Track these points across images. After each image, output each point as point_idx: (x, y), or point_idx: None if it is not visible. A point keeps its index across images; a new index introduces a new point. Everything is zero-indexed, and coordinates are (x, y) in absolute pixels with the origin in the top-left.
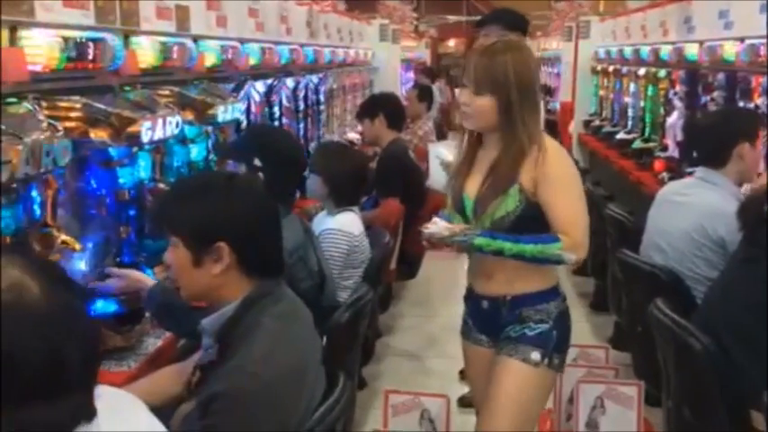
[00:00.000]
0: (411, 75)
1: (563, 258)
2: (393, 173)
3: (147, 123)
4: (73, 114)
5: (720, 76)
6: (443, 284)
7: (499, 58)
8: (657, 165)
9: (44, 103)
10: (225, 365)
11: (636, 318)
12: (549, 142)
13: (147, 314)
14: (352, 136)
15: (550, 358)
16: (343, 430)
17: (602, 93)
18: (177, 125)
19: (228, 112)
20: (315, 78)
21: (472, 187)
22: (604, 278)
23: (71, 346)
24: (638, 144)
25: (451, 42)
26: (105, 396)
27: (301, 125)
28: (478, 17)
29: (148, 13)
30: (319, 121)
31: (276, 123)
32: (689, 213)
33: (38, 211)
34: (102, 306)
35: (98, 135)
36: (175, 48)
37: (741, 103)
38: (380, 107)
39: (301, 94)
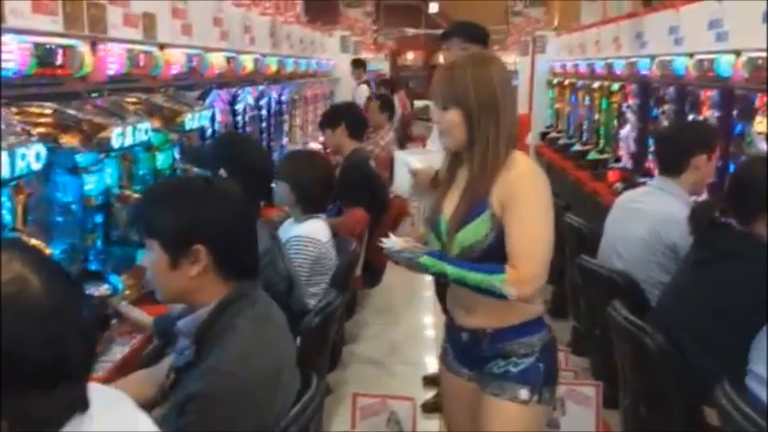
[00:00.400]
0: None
1: (503, 293)
2: (356, 182)
3: (119, 129)
4: (43, 120)
5: (671, 89)
6: (405, 293)
7: (458, 72)
8: (611, 175)
9: (13, 109)
10: (201, 366)
11: (594, 321)
12: (524, 162)
13: (114, 321)
14: (315, 146)
15: (540, 394)
16: (315, 431)
17: (557, 106)
18: (147, 132)
19: (195, 119)
20: (278, 88)
21: (448, 208)
22: (562, 285)
23: (71, 338)
24: (593, 156)
25: (410, 55)
26: (97, 391)
27: (264, 134)
28: (437, 30)
29: (116, 19)
30: (281, 130)
31: (240, 132)
32: (644, 220)
33: (7, 216)
34: None
35: (69, 141)
36: (142, 56)
37: (691, 116)
38: (342, 117)
39: (264, 104)
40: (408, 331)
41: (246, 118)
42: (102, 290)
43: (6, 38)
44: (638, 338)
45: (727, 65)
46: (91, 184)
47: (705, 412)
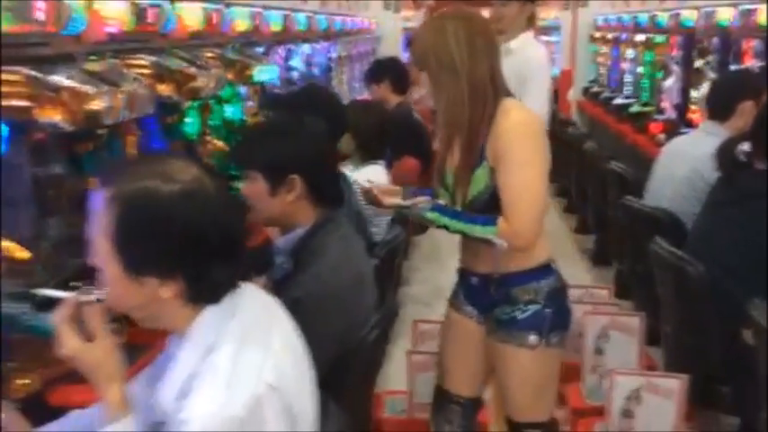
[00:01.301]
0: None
1: (494, 243)
2: (403, 134)
3: (205, 79)
4: (144, 71)
5: (715, 40)
6: (450, 241)
7: (418, 37)
8: (653, 127)
9: (116, 60)
10: (301, 276)
11: (637, 259)
12: (516, 113)
13: None
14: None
15: (548, 339)
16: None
17: (600, 60)
18: (225, 83)
19: (265, 72)
20: (327, 46)
21: (451, 162)
22: (605, 232)
23: (237, 223)
24: (635, 108)
25: None
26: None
27: None
28: None
29: None
30: (331, 87)
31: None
32: (688, 159)
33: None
34: None
35: (164, 89)
36: (214, 14)
37: (733, 66)
38: (386, 72)
39: (315, 61)
40: (454, 276)
41: (298, 75)
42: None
43: None
44: (680, 268)
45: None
46: (179, 130)
47: (743, 334)
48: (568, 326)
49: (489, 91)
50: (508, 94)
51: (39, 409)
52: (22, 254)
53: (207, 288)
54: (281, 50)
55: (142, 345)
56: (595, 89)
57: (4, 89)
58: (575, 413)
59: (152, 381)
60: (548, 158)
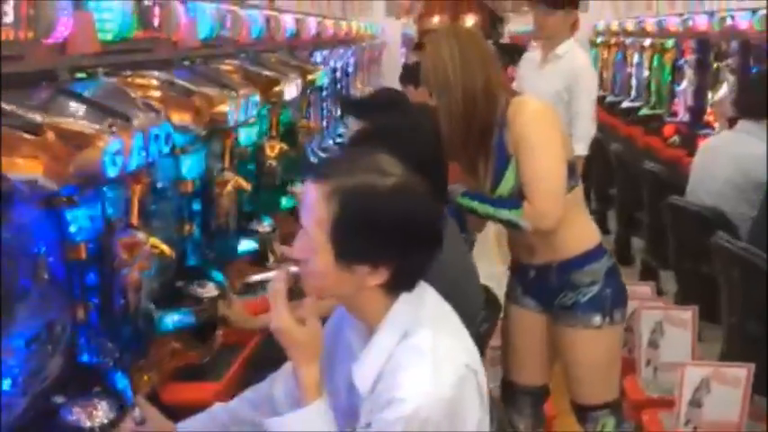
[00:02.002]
0: (403, 50)
1: (520, 225)
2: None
3: (233, 104)
4: (152, 93)
5: (733, 43)
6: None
7: (421, 58)
8: (667, 129)
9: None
10: None
11: (684, 253)
12: (530, 106)
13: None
14: None
15: (611, 316)
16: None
17: (600, 64)
18: (256, 105)
19: (323, 76)
20: (348, 51)
21: (477, 166)
22: (632, 231)
23: (437, 212)
24: (645, 111)
25: (436, 19)
26: None
27: None
28: None
29: None
30: (350, 92)
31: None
32: (731, 160)
33: (115, 212)
34: (178, 318)
35: (180, 118)
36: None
37: (755, 69)
38: None
39: (339, 66)
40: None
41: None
42: (209, 290)
43: None
44: (749, 261)
45: None
46: (187, 166)
47: None
48: (626, 301)
49: (480, 96)
50: (515, 94)
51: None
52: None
53: (409, 276)
54: (317, 56)
55: (235, 344)
56: (600, 93)
57: (145, 92)
58: (634, 406)
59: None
60: (564, 143)
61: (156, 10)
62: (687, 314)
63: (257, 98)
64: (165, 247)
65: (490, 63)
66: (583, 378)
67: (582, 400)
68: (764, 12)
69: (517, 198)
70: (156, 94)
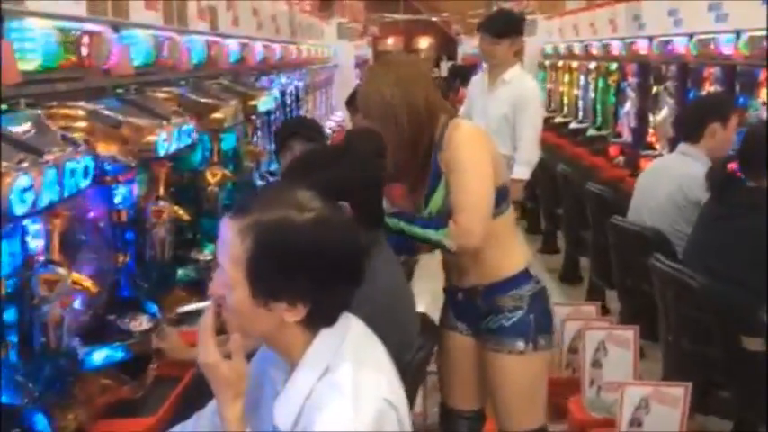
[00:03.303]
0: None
1: (445, 244)
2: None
3: (163, 134)
4: (78, 124)
5: (672, 67)
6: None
7: (362, 92)
8: (612, 150)
9: (39, 111)
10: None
11: (626, 273)
12: (463, 129)
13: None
14: (330, 124)
15: (535, 342)
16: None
17: (549, 86)
18: (190, 134)
19: (268, 102)
20: (298, 75)
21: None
22: (579, 250)
23: (358, 245)
24: (591, 133)
25: (390, 40)
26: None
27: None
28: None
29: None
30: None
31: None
32: (670, 179)
33: (36, 246)
34: (107, 354)
35: (106, 149)
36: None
37: (692, 93)
38: None
39: (289, 91)
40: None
41: (276, 104)
42: (142, 323)
43: (28, 23)
44: (681, 281)
45: (727, 44)
46: (120, 196)
47: (743, 341)
48: (552, 328)
49: (425, 120)
50: (453, 116)
51: None
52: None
53: (328, 311)
54: (265, 81)
55: (171, 377)
56: (547, 114)
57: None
58: (578, 426)
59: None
60: (495, 167)
61: (85, 38)
62: (629, 333)
63: (191, 126)
64: (88, 284)
65: (428, 83)
66: (507, 404)
67: (507, 427)
68: (701, 37)
69: (444, 218)
70: (82, 125)
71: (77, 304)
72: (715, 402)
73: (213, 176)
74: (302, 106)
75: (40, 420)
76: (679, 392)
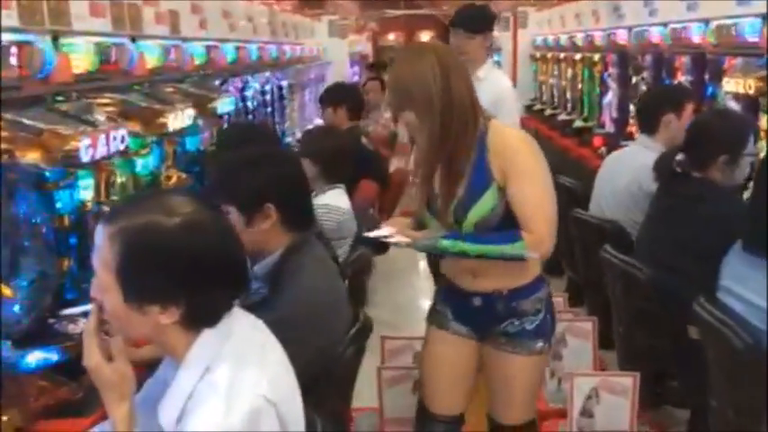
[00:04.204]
0: (356, 68)
1: (525, 257)
2: (356, 157)
3: (87, 140)
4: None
5: (648, 57)
6: (408, 260)
7: (398, 78)
8: (596, 141)
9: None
10: (279, 298)
11: (588, 266)
12: (512, 132)
13: None
14: (317, 122)
15: (550, 341)
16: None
17: (541, 78)
18: (123, 139)
19: (226, 104)
20: (279, 75)
21: (441, 190)
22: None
23: (234, 248)
24: (578, 124)
25: (391, 36)
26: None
27: (269, 119)
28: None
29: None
30: (284, 114)
31: (250, 117)
32: (627, 171)
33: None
34: (42, 356)
35: (30, 157)
36: (114, 49)
37: (667, 81)
38: (345, 97)
39: (268, 89)
40: (412, 295)
41: (255, 104)
42: (80, 325)
43: None
44: (629, 273)
45: (698, 32)
46: (61, 201)
47: (689, 330)
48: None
49: (470, 115)
50: (488, 117)
51: None
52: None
53: (206, 313)
54: (237, 82)
55: None
56: (538, 106)
57: None
58: (539, 417)
59: (144, 404)
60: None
61: (13, 49)
62: (588, 325)
63: (124, 131)
64: (6, 290)
65: (468, 74)
66: (513, 400)
67: (511, 420)
68: (674, 26)
69: (500, 228)
70: (5, 134)
71: (17, 309)
72: (668, 392)
73: (168, 179)
74: (287, 105)
75: None
76: (628, 382)
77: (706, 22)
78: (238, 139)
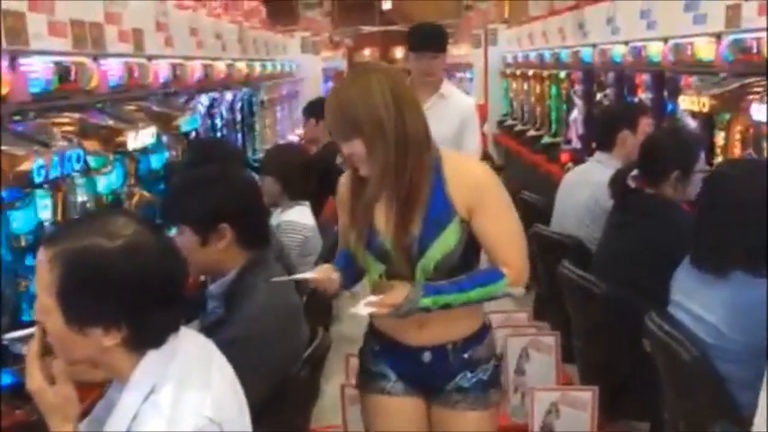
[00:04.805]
0: (330, 84)
1: (508, 294)
2: (329, 173)
3: (40, 161)
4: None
5: (611, 75)
6: None
7: (345, 104)
8: (563, 157)
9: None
10: (232, 318)
11: (551, 281)
12: (473, 163)
13: None
14: (291, 138)
15: (501, 385)
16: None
17: (511, 95)
18: (79, 159)
19: (188, 122)
20: (248, 92)
21: (385, 228)
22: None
23: (177, 269)
24: (546, 140)
25: (367, 51)
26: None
27: (239, 135)
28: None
29: (112, 35)
30: (254, 130)
31: (219, 134)
32: (585, 188)
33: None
34: None
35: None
36: (73, 68)
37: (628, 98)
38: None
39: (238, 107)
40: None
41: (222, 121)
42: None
43: None
44: (586, 288)
45: (656, 51)
46: (18, 221)
47: (644, 343)
48: None
49: (425, 145)
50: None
51: None
52: None
53: (150, 334)
54: (203, 98)
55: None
56: (509, 122)
57: None
58: None
59: (94, 426)
60: None
61: None
62: (550, 339)
63: (77, 152)
64: None
65: (419, 105)
66: None
67: None
68: (636, 44)
69: (460, 271)
70: None
71: None
72: (627, 405)
73: (131, 198)
74: (256, 121)
75: None
76: (587, 396)
77: (665, 40)
78: (200, 157)
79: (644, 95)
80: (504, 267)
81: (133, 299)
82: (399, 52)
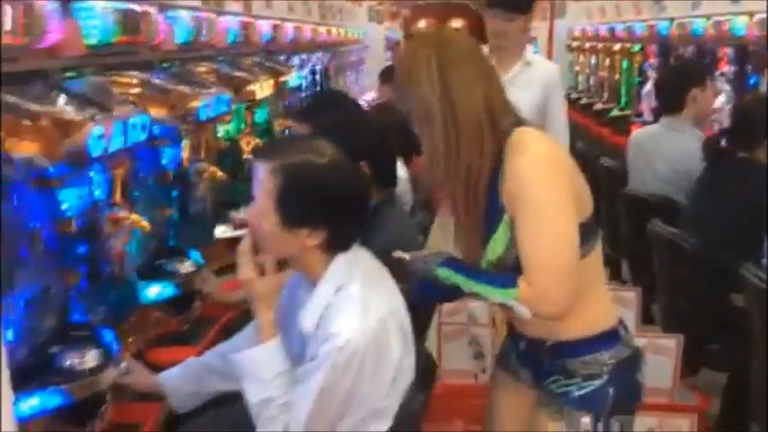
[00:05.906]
0: (389, 54)
1: (515, 310)
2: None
3: (204, 100)
4: (133, 90)
5: (690, 48)
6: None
7: (402, 86)
8: (633, 129)
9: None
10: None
11: (635, 239)
12: (536, 144)
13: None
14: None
15: (607, 423)
16: None
17: (577, 68)
18: (227, 103)
19: (295, 78)
20: (327, 56)
21: (465, 218)
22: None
23: (364, 187)
24: (614, 113)
25: (422, 23)
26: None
27: None
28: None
29: None
30: None
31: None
32: (665, 159)
33: (100, 192)
34: (159, 290)
35: (156, 112)
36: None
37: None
38: None
39: (318, 69)
40: None
41: (306, 82)
42: (186, 266)
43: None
44: (676, 243)
45: (741, 25)
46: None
47: (732, 298)
48: (634, 410)
49: (486, 126)
50: (518, 121)
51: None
52: None
53: (342, 239)
54: (294, 60)
55: (212, 317)
56: (574, 95)
57: (126, 90)
58: None
59: (282, 320)
60: (576, 199)
61: (137, 18)
62: (631, 294)
63: (228, 96)
64: (144, 223)
65: (489, 80)
66: None
67: None
68: (717, 18)
69: (509, 272)
70: (136, 91)
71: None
72: (707, 356)
73: (247, 145)
74: (332, 86)
75: (107, 334)
76: (672, 343)
77: (750, 14)
78: (326, 105)
79: (726, 68)
80: (524, 282)
81: (334, 206)
82: (457, 23)
